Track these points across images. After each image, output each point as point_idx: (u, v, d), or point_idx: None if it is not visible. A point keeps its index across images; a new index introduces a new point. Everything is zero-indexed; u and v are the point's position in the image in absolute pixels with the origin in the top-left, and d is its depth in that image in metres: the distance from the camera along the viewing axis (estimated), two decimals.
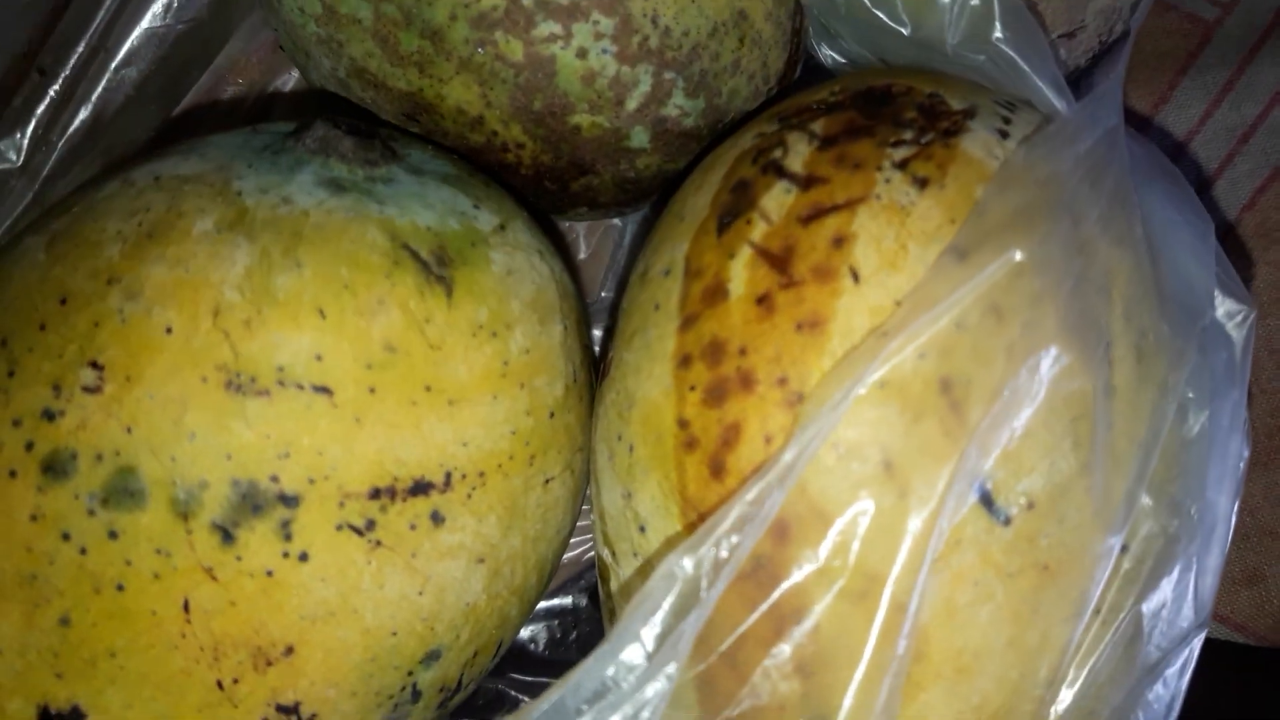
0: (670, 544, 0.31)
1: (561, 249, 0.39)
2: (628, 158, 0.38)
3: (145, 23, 0.34)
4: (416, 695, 0.33)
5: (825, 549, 0.28)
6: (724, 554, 0.28)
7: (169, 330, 0.29)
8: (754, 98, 0.39)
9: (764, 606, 0.29)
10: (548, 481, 0.34)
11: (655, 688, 0.27)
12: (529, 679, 0.43)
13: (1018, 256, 0.28)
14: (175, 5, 0.33)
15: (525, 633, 0.44)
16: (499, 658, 0.38)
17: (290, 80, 0.45)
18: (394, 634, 0.31)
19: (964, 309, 0.28)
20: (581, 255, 0.46)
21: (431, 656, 0.33)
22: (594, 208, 0.42)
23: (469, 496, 0.32)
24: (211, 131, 0.36)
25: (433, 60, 0.35)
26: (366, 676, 0.32)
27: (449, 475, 0.31)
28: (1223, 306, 0.33)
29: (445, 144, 0.38)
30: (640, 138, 0.37)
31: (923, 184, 0.30)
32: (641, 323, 0.33)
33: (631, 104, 0.36)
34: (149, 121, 0.36)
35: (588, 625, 0.45)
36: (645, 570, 0.32)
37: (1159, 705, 0.32)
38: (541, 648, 0.44)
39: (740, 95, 0.38)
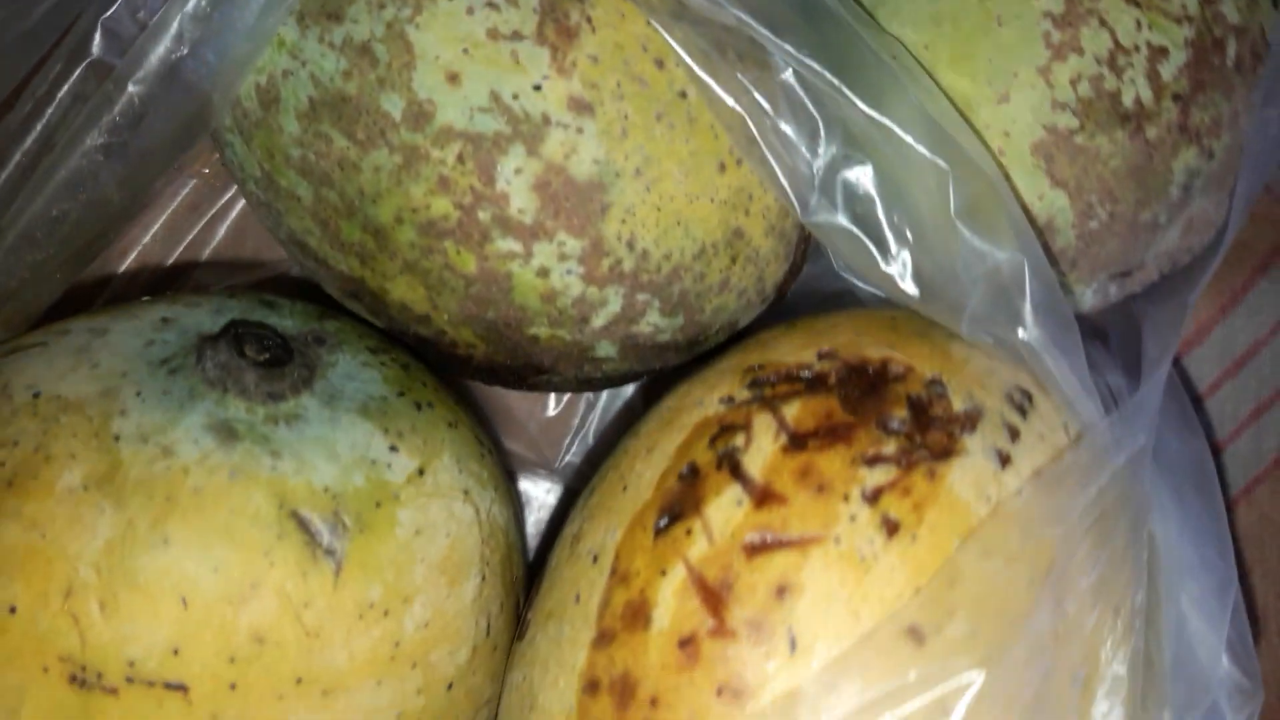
0: None
1: (510, 423, 0.35)
2: (593, 363, 0.34)
3: (38, 206, 0.29)
4: None
5: None
6: None
7: (13, 609, 0.26)
8: (745, 311, 0.34)
9: None
10: None
11: None
12: None
13: (977, 679, 0.24)
14: (75, 185, 0.29)
15: None
16: None
17: None
18: None
19: (908, 713, 0.24)
20: (550, 412, 0.42)
21: None
22: (559, 391, 0.37)
23: None
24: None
25: (375, 256, 0.31)
26: None
27: None
28: (1228, 680, 0.29)
29: (389, 330, 0.34)
30: (607, 350, 0.33)
31: (892, 530, 0.26)
32: (559, 607, 0.29)
33: (598, 322, 0.32)
34: (52, 291, 0.32)
35: None
36: None
37: None
38: None
39: (728, 310, 0.34)
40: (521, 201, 0.29)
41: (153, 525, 0.26)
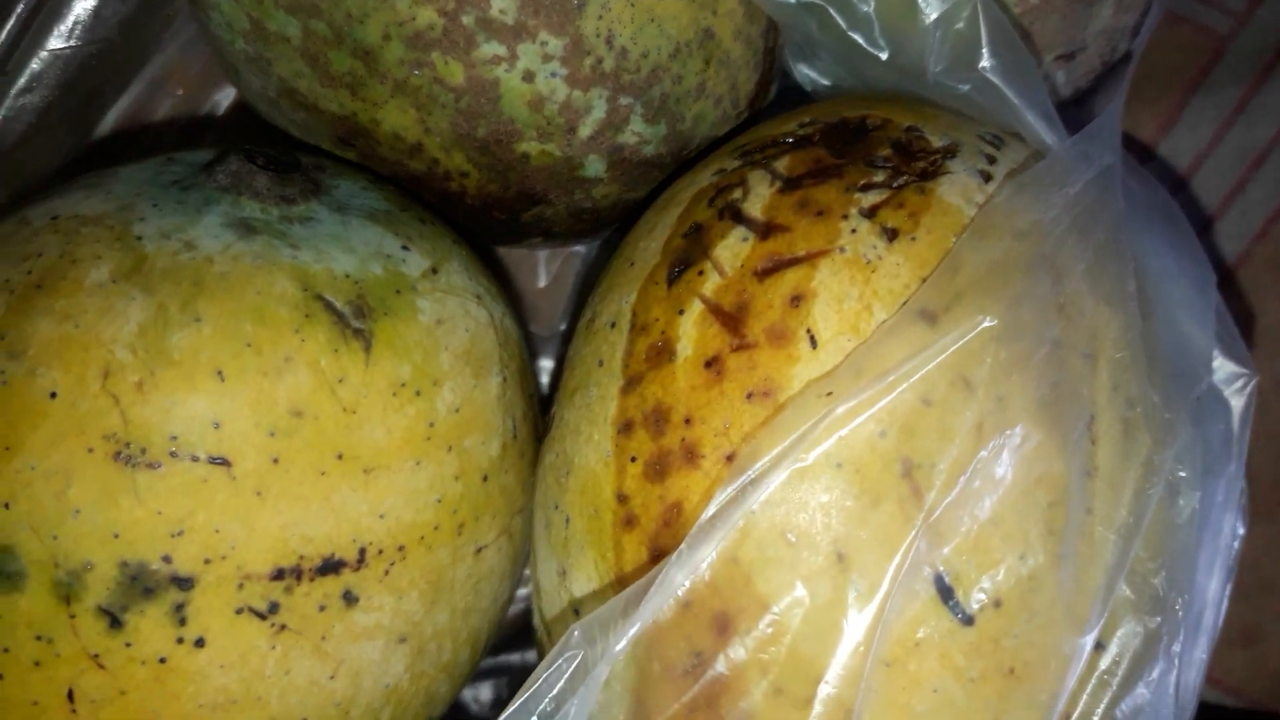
0: None
1: (507, 287, 0.36)
2: (583, 187, 0.35)
3: (50, 44, 0.30)
4: None
5: (761, 633, 0.26)
6: (630, 629, 0.25)
7: (53, 395, 0.26)
8: (722, 122, 0.36)
9: (686, 697, 0.27)
10: (480, 550, 0.32)
11: None
12: None
13: (988, 323, 0.25)
14: (81, 27, 0.30)
15: (467, 691, 0.42)
16: None
17: (232, 93, 0.42)
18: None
19: (929, 380, 0.26)
20: (541, 283, 0.43)
21: None
22: (549, 238, 0.39)
23: (386, 573, 0.29)
24: (135, 157, 0.33)
25: (365, 82, 0.32)
26: None
27: (363, 551, 0.28)
28: (1222, 370, 0.30)
29: (383, 171, 0.35)
30: (596, 167, 0.34)
31: (892, 235, 0.27)
32: (584, 379, 0.30)
33: (585, 131, 0.33)
34: (58, 150, 0.33)
35: None
36: None
37: None
38: (485, 707, 0.41)
39: (706, 120, 0.35)
40: (502, 2, 0.31)
41: (183, 306, 0.27)
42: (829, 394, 0.25)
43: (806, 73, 0.37)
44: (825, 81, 0.37)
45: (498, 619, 0.34)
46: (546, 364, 0.43)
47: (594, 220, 0.38)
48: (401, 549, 0.29)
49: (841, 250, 0.27)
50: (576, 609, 0.29)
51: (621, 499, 0.28)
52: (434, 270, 0.31)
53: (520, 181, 0.34)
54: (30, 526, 0.26)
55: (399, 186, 0.35)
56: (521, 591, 0.41)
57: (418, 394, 0.29)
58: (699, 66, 0.34)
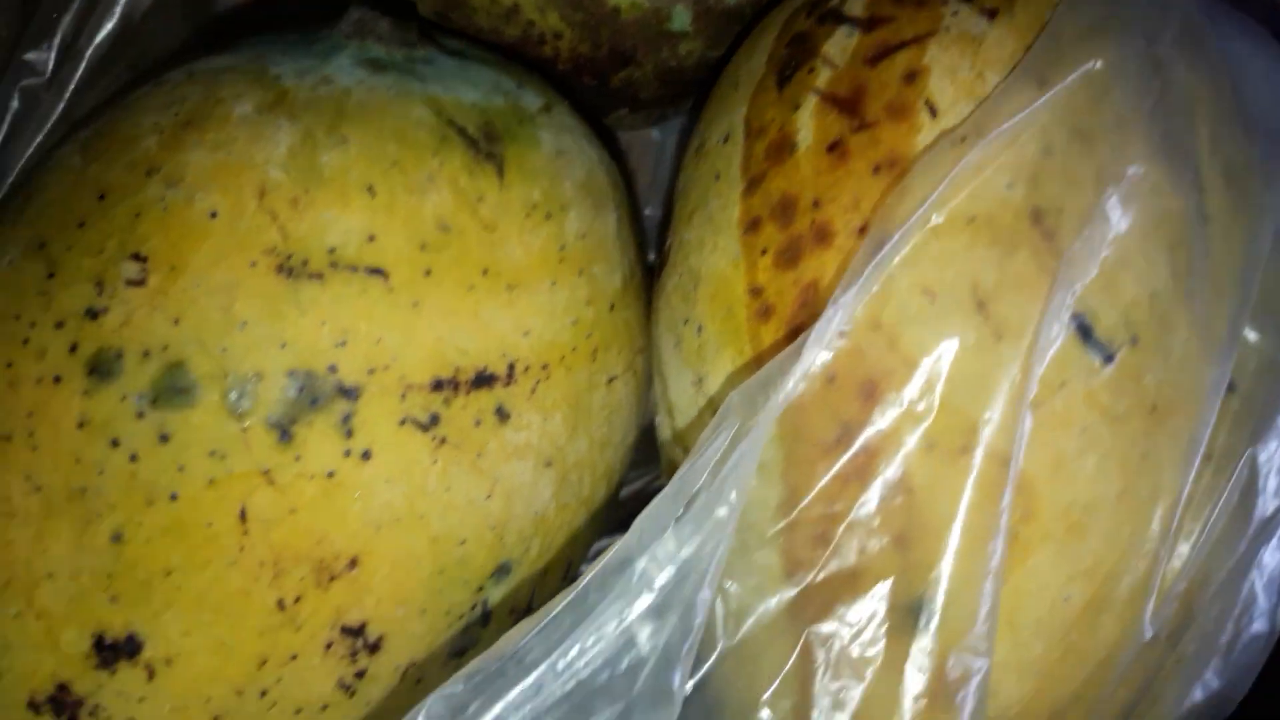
0: None
1: (610, 143, 0.37)
2: (669, 43, 0.36)
3: None
4: (487, 617, 0.31)
5: (911, 391, 0.27)
6: (786, 386, 0.26)
7: (213, 215, 0.27)
8: None
9: (842, 462, 0.27)
10: (611, 380, 0.33)
11: (718, 517, 0.26)
12: None
13: (1098, 66, 0.27)
14: None
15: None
16: (569, 581, 0.36)
17: None
18: (462, 543, 0.30)
19: (1048, 131, 0.27)
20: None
21: (502, 570, 0.31)
22: (635, 108, 0.40)
23: (533, 391, 0.30)
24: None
25: None
26: (435, 592, 0.30)
27: (512, 367, 0.29)
28: None
29: (480, 39, 0.36)
30: (682, 18, 0.36)
31: (992, 14, 0.29)
32: (701, 197, 0.32)
33: None
34: (178, 29, 0.34)
35: None
36: None
37: (1275, 566, 0.31)
38: None
39: None
40: None
41: (329, 130, 0.28)
42: (962, 140, 0.26)
43: None
44: None
45: (624, 463, 0.35)
46: None
47: (678, 83, 0.39)
48: (545, 367, 0.30)
49: (947, 29, 0.29)
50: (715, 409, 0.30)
51: (755, 292, 0.29)
52: (548, 108, 0.32)
53: (611, 38, 0.36)
54: (199, 341, 0.27)
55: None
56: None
57: (548, 217, 0.30)
58: None
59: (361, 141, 0.28)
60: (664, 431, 0.34)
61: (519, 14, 0.35)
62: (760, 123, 0.30)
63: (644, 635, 0.26)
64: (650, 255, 0.42)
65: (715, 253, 0.30)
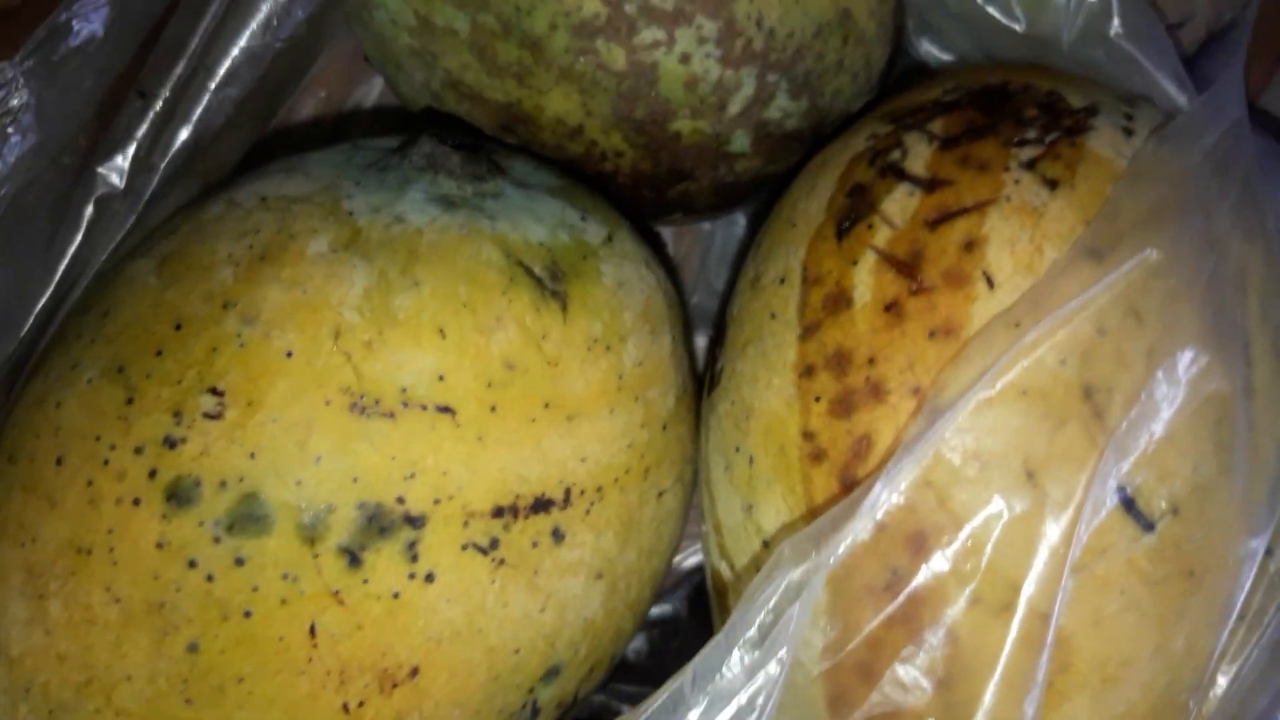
0: None
1: (663, 258, 0.38)
2: (727, 162, 0.37)
3: (244, 41, 0.33)
4: (536, 712, 0.33)
5: (957, 552, 0.28)
6: (841, 543, 0.27)
7: (289, 354, 0.28)
8: (856, 97, 0.38)
9: (890, 608, 0.28)
10: (661, 494, 0.34)
11: (769, 672, 0.27)
12: (630, 688, 0.42)
13: (1154, 255, 0.28)
14: (274, 23, 0.33)
15: None
16: (611, 671, 0.37)
17: (372, 92, 0.45)
18: (516, 652, 0.31)
19: (1103, 312, 0.28)
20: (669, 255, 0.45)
21: (551, 673, 0.33)
22: (688, 213, 0.41)
23: (587, 512, 0.31)
24: (296, 149, 0.36)
25: (532, 71, 0.35)
26: (489, 696, 0.31)
27: (568, 491, 0.31)
28: None
29: (543, 154, 0.37)
30: (741, 142, 0.37)
31: (1053, 185, 0.30)
32: (756, 332, 0.33)
33: (734, 108, 0.36)
34: (242, 142, 0.35)
35: (687, 634, 0.44)
36: None
37: None
38: (641, 656, 0.43)
39: (844, 95, 0.37)
40: None
41: (402, 272, 0.29)
42: (1016, 325, 0.27)
43: (929, 48, 0.39)
44: (947, 56, 0.39)
45: (669, 563, 0.36)
46: None
47: (733, 195, 0.40)
48: (600, 490, 0.31)
49: (1008, 199, 0.29)
50: (765, 540, 0.31)
51: (808, 435, 0.30)
52: (610, 238, 0.33)
53: (671, 159, 0.37)
54: (275, 474, 0.28)
55: (560, 166, 0.37)
56: None
57: (608, 349, 0.31)
58: (838, 44, 0.36)
59: (434, 284, 0.29)
60: (709, 541, 0.35)
61: (583, 134, 0.36)
62: (818, 271, 0.31)
63: None
64: (698, 354, 0.43)
65: (769, 390, 0.31)
